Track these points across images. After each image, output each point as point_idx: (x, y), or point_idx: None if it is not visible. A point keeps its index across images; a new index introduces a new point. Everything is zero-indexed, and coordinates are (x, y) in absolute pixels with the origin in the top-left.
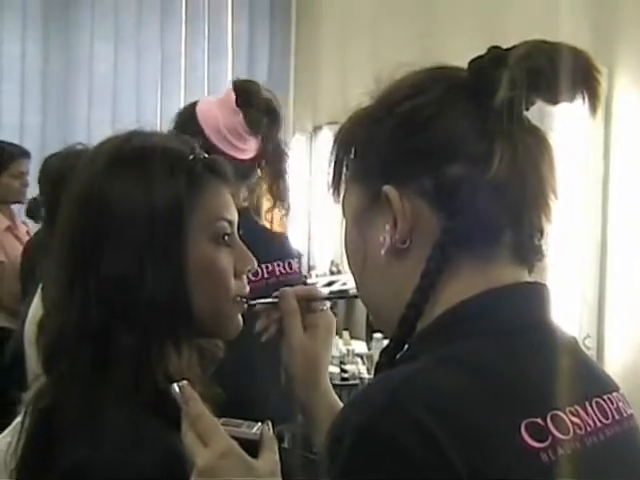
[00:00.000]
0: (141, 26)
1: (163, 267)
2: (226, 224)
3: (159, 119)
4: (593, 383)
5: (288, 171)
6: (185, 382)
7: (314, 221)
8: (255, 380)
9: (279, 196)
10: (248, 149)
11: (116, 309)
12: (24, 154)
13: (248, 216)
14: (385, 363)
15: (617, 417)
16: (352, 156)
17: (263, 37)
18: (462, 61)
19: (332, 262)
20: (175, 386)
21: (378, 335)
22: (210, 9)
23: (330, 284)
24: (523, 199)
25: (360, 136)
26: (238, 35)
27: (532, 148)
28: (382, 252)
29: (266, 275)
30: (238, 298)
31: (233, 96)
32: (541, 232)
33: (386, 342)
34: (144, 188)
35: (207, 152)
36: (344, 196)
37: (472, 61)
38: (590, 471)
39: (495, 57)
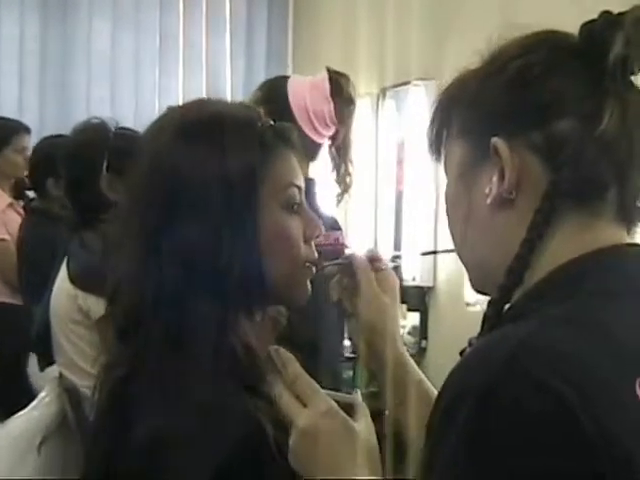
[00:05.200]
0: (139, 4)
1: (238, 235)
2: (296, 191)
3: (157, 96)
4: None
5: (353, 159)
6: (278, 347)
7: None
8: (322, 344)
9: (344, 180)
10: (325, 135)
11: (192, 278)
12: (26, 129)
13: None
14: (493, 315)
15: None
16: (459, 112)
17: (261, 14)
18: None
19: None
20: (271, 349)
21: None
22: None
23: (336, 258)
24: (630, 158)
25: (469, 92)
26: (236, 12)
27: None
28: (488, 202)
29: (332, 241)
30: (307, 264)
31: (327, 84)
32: None
33: None
34: (217, 156)
35: None
36: (447, 154)
37: (583, 25)
38: None
39: (608, 20)
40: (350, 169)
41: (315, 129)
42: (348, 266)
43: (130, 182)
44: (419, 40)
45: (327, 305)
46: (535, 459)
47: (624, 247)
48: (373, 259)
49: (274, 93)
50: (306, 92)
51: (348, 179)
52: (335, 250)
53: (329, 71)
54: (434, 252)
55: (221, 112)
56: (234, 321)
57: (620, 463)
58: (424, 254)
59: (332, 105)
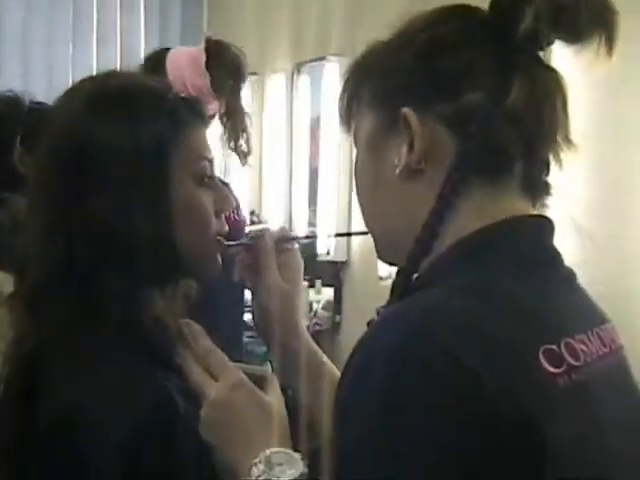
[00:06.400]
0: None
1: (149, 207)
2: (208, 164)
3: (71, 72)
4: (591, 314)
5: (249, 128)
6: (190, 320)
7: (231, 172)
8: (225, 321)
9: (242, 152)
10: (209, 108)
11: (101, 250)
12: None
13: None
14: (401, 284)
15: (612, 347)
16: (370, 83)
17: None
18: (393, 16)
19: (252, 212)
20: (182, 323)
21: None
22: None
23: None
24: (537, 132)
25: (379, 64)
26: None
27: (549, 85)
28: (397, 172)
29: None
30: (218, 237)
31: (203, 56)
32: (548, 169)
33: None
34: (127, 127)
35: None
36: (357, 125)
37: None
38: (599, 396)
39: None
40: (246, 139)
41: None
42: (252, 247)
43: (39, 153)
44: (334, 16)
45: (231, 281)
46: (441, 418)
47: (527, 218)
48: (281, 239)
49: (154, 66)
50: (184, 65)
51: (245, 149)
52: (241, 227)
53: (208, 41)
54: (348, 234)
55: (132, 84)
56: (144, 294)
57: (520, 424)
58: (338, 235)
59: (208, 78)
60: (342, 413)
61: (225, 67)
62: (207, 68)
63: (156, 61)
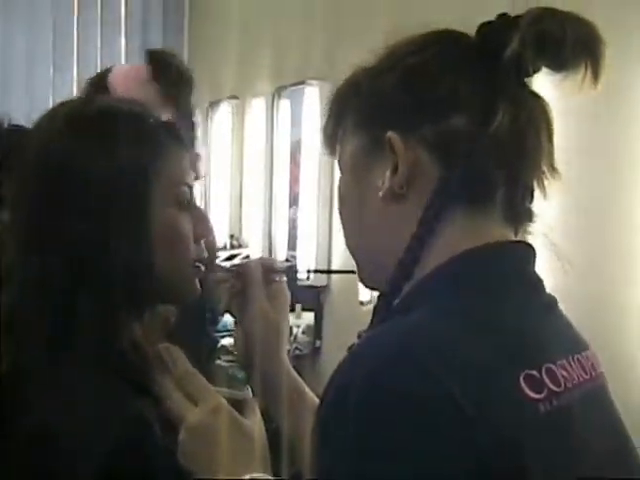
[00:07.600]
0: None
1: (127, 231)
2: (187, 189)
3: (52, 93)
4: (572, 340)
5: (198, 141)
6: (169, 344)
7: (211, 196)
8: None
9: (192, 165)
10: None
11: (78, 272)
12: None
13: None
14: (382, 308)
15: (593, 374)
16: (355, 107)
17: (157, 11)
18: (373, 42)
19: (232, 236)
20: (160, 347)
21: None
22: None
23: (231, 258)
24: (520, 159)
25: (364, 88)
26: (131, 10)
27: (534, 112)
28: (380, 195)
29: None
30: (197, 263)
31: (146, 68)
32: (532, 196)
33: None
34: (107, 151)
35: None
36: (342, 148)
37: (481, 25)
38: (580, 422)
39: (505, 21)
40: (200, 155)
41: None
42: (240, 275)
43: (17, 175)
44: (315, 40)
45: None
46: (420, 444)
47: (509, 244)
48: (268, 269)
49: (96, 85)
50: (127, 80)
51: (199, 166)
52: None
53: (150, 52)
54: (328, 271)
55: (112, 107)
56: (121, 319)
57: (500, 449)
58: (317, 272)
59: (157, 87)
60: (322, 434)
61: (171, 76)
62: (153, 79)
63: (96, 81)
